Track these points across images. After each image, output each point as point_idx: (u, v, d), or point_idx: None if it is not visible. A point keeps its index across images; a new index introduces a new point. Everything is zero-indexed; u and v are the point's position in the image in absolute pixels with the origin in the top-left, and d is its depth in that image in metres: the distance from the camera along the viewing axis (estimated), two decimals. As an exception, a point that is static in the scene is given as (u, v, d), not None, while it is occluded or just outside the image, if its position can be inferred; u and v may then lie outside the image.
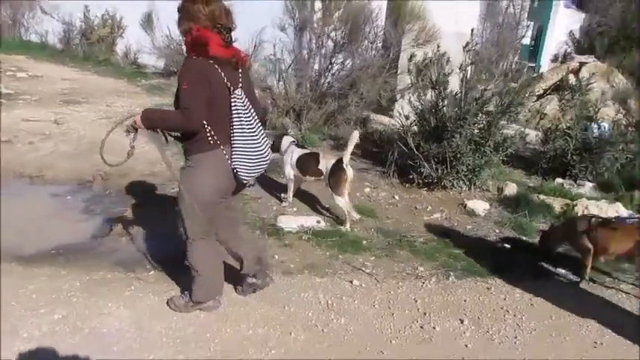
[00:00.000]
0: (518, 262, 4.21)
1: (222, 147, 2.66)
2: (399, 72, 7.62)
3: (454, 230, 4.77)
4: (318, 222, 4.64)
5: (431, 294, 3.63)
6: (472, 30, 5.62)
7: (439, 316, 3.35)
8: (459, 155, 5.26)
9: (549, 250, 4.25)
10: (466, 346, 3.06)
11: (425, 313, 3.37)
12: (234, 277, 3.37)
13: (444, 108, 5.41)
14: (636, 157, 5.75)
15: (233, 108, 2.62)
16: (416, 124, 5.73)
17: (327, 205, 4.99)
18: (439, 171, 5.39)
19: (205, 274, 3.02)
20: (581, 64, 10.02)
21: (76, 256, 3.75)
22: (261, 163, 2.77)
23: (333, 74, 7.33)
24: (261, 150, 2.75)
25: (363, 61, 7.15)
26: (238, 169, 2.68)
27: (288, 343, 2.97)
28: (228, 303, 3.31)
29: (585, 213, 4.88)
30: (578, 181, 5.78)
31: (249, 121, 2.67)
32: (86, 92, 8.82)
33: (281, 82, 7.47)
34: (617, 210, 4.92)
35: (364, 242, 4.38)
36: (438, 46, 5.95)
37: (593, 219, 3.98)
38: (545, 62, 14.64)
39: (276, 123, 7.01)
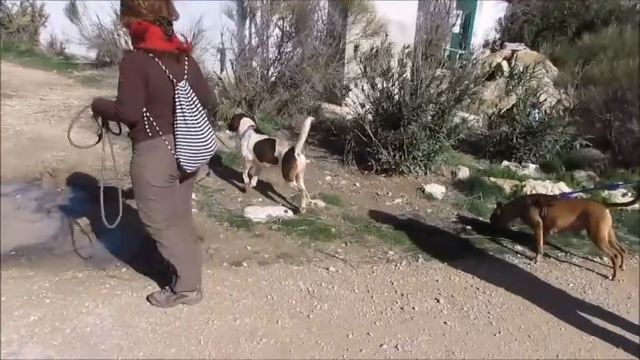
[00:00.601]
0: (479, 242, 4.44)
1: (163, 136, 2.70)
2: (346, 61, 7.71)
3: (416, 214, 4.94)
4: (286, 211, 4.65)
5: (404, 276, 3.76)
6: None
7: (416, 296, 3.48)
8: (414, 142, 5.44)
9: (500, 226, 4.53)
10: (445, 323, 3.20)
11: (402, 295, 3.49)
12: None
13: (400, 96, 5.54)
14: (574, 140, 6.19)
15: (176, 100, 2.65)
16: (371, 112, 5.84)
17: (291, 195, 4.99)
18: (396, 157, 5.54)
19: (181, 263, 3.00)
20: (513, 51, 10.58)
21: (40, 256, 3.56)
22: (204, 153, 2.81)
23: (282, 63, 7.29)
24: (205, 141, 2.79)
25: (312, 50, 7.16)
26: (181, 159, 2.72)
27: (276, 330, 2.98)
28: (210, 296, 3.28)
29: (533, 192, 5.23)
30: (522, 163, 6.15)
31: (193, 112, 2.71)
32: (14, 85, 8.19)
33: (230, 72, 7.34)
34: (560, 188, 5.30)
35: (333, 230, 4.45)
36: (387, 36, 6.11)
37: (542, 196, 4.30)
38: (474, 50, 15.34)
39: (227, 114, 6.88)
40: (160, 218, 2.87)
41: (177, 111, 2.66)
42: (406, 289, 3.56)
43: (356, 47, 5.86)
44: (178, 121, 2.68)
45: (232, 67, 7.25)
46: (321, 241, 4.22)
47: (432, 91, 5.51)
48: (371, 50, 5.73)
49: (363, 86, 5.92)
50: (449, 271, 3.89)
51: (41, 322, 2.84)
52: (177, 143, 2.71)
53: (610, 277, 3.93)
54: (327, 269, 3.76)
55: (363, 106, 5.71)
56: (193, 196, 4.81)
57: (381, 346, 2.92)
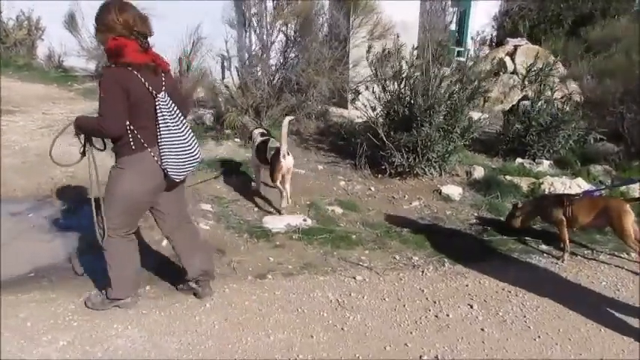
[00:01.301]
0: (502, 243, 4.37)
1: (149, 149, 2.73)
2: (351, 65, 7.64)
3: (436, 217, 4.87)
4: (305, 220, 4.56)
5: (433, 282, 3.69)
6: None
7: (448, 303, 3.41)
8: (429, 143, 5.37)
9: (518, 227, 4.45)
10: (482, 330, 3.12)
11: (434, 302, 3.41)
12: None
13: (411, 98, 5.47)
14: (587, 134, 6.13)
15: (158, 111, 2.70)
16: (382, 115, 5.77)
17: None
18: (410, 159, 5.47)
19: (119, 271, 3.02)
20: (515, 47, 10.53)
21: (60, 277, 3.47)
22: (191, 161, 2.85)
23: (287, 69, 7.22)
24: (190, 149, 2.83)
25: (318, 54, 7.08)
26: (168, 169, 2.76)
27: (312, 345, 2.90)
28: (239, 311, 3.20)
29: (551, 190, 5.17)
30: (536, 160, 6.08)
31: (176, 122, 2.76)
32: (15, 101, 8.11)
33: (236, 79, 7.27)
34: (579, 184, 5.23)
35: (354, 237, 4.37)
36: (397, 36, 6.04)
37: (565, 195, 4.24)
38: (471, 47, 15.27)
39: (235, 122, 6.80)
40: (124, 231, 2.92)
41: (161, 122, 2.71)
42: (437, 296, 3.49)
43: (369, 48, 5.77)
44: (162, 132, 2.72)
45: (238, 74, 7.18)
46: (343, 249, 4.14)
47: (442, 91, 5.44)
48: (383, 52, 5.65)
49: (373, 89, 5.84)
50: (477, 274, 3.81)
51: (72, 347, 2.75)
52: (162, 154, 2.74)
53: None
54: (354, 278, 3.68)
55: (374, 109, 5.64)
56: (209, 207, 4.76)
57: (420, 357, 2.84)
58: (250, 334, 2.97)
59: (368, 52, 6.05)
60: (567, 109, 6.11)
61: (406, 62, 5.80)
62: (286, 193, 4.64)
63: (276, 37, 7.20)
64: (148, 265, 3.65)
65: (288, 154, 4.51)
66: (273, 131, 6.57)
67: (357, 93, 5.68)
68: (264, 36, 7.17)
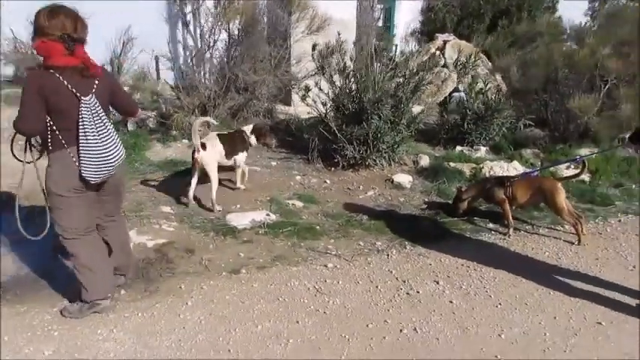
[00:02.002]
0: (454, 224, 4.71)
1: (68, 149, 2.79)
2: (294, 61, 7.79)
3: (391, 204, 5.14)
4: (268, 215, 4.67)
5: (399, 263, 3.93)
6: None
7: (416, 281, 3.66)
8: (379, 135, 5.63)
9: (464, 209, 4.81)
10: (451, 302, 3.40)
11: (404, 281, 3.65)
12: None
13: (359, 92, 5.71)
14: (517, 121, 6.67)
15: (80, 114, 2.75)
16: (332, 110, 5.97)
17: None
18: (362, 151, 5.71)
19: (91, 271, 3.02)
20: (445, 41, 11.11)
21: (25, 289, 3.38)
22: (106, 166, 2.87)
23: (232, 68, 7.24)
24: (106, 154, 2.85)
25: (263, 52, 7.17)
26: (82, 171, 2.81)
27: (299, 330, 3.04)
28: (222, 305, 3.27)
29: (491, 173, 5.60)
30: (474, 147, 6.54)
31: (94, 127, 2.79)
32: None
33: (179, 80, 7.21)
34: (515, 167, 5.71)
35: (317, 228, 4.53)
36: (339, 34, 6.26)
37: (504, 177, 4.65)
38: (398, 42, 15.85)
39: (182, 123, 6.74)
40: (70, 228, 2.93)
41: (80, 125, 2.75)
42: (405, 276, 3.73)
43: (314, 46, 5.94)
44: (80, 135, 2.77)
45: (182, 74, 7.11)
46: (309, 240, 4.30)
47: (388, 86, 5.73)
48: (327, 48, 5.84)
49: (320, 85, 6.03)
50: (437, 254, 4.10)
51: (58, 355, 2.72)
52: (79, 155, 2.79)
53: (576, 243, 4.32)
54: (326, 266, 3.85)
55: (325, 104, 5.83)
56: (169, 209, 4.75)
57: (401, 331, 3.06)
58: (238, 325, 3.06)
59: (313, 49, 6.23)
60: (498, 98, 6.61)
61: (350, 58, 6.04)
62: (211, 186, 4.77)
63: (219, 35, 7.20)
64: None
65: (204, 148, 4.66)
66: (220, 131, 6.66)
67: (307, 90, 5.82)
68: (207, 35, 7.15)
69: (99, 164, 2.81)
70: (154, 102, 7.56)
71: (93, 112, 2.77)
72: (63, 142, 2.76)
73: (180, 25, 7.75)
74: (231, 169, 5.13)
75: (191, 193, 4.86)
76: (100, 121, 2.79)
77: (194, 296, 3.39)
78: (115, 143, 2.89)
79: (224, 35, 7.20)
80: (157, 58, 8.58)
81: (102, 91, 2.84)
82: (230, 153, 4.94)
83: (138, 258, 3.81)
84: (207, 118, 5.39)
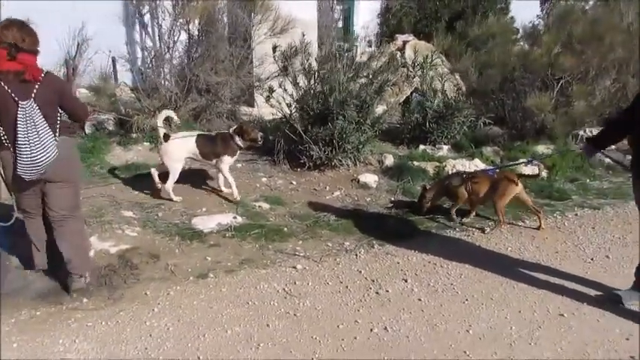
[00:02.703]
0: (420, 222, 4.77)
1: (10, 148, 3.02)
2: (256, 62, 7.72)
3: (357, 204, 5.17)
4: (235, 217, 4.62)
5: (368, 263, 3.95)
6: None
7: (385, 280, 3.69)
8: (344, 135, 5.65)
9: (429, 207, 4.88)
10: (419, 300, 3.44)
11: (373, 280, 3.68)
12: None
13: (324, 93, 5.72)
14: (477, 120, 6.83)
15: (17, 117, 2.93)
16: (297, 111, 5.96)
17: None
18: (327, 152, 5.72)
19: (34, 246, 3.44)
20: (404, 42, 11.26)
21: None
22: (34, 167, 3.02)
23: (192, 69, 7.12)
24: (33, 157, 2.99)
25: (225, 52, 7.08)
26: (17, 169, 3.02)
27: (270, 334, 3.01)
28: (190, 311, 3.21)
29: (454, 170, 5.71)
30: (437, 146, 6.65)
31: (28, 129, 2.96)
32: None
33: (138, 81, 7.03)
34: (476, 165, 5.84)
35: (285, 229, 4.51)
36: (303, 35, 6.25)
37: (464, 174, 4.75)
38: (357, 43, 15.97)
39: (143, 125, 6.57)
40: (21, 209, 3.30)
41: (16, 127, 2.94)
42: (374, 275, 3.76)
43: (275, 48, 5.90)
44: (15, 135, 2.96)
45: (141, 76, 6.94)
46: (277, 242, 4.27)
47: (352, 86, 5.76)
48: (291, 49, 5.82)
49: (285, 86, 5.99)
50: (404, 252, 4.15)
51: (19, 369, 2.60)
52: (15, 155, 3.01)
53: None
54: (295, 267, 3.83)
55: (289, 105, 5.81)
56: (131, 214, 4.63)
57: (371, 330, 3.07)
58: (207, 331, 3.01)
59: (274, 50, 6.19)
60: (458, 98, 6.76)
61: (315, 59, 6.04)
62: (167, 182, 4.87)
63: (179, 36, 7.06)
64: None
65: (166, 140, 4.84)
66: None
67: (271, 91, 5.78)
68: (166, 36, 6.99)
69: (28, 164, 2.97)
70: (112, 104, 7.35)
71: (27, 116, 2.93)
72: (7, 141, 2.99)
73: (137, 25, 7.54)
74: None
75: (156, 178, 5.02)
76: (32, 124, 2.94)
77: (160, 302, 3.32)
78: (43, 147, 2.99)
79: (184, 36, 7.07)
80: (114, 60, 8.35)
81: (44, 95, 3.00)
82: (209, 154, 4.95)
83: (100, 265, 3.70)
84: (170, 112, 5.33)
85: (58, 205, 3.29)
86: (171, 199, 4.90)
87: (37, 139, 2.98)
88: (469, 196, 4.67)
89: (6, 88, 2.88)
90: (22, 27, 2.97)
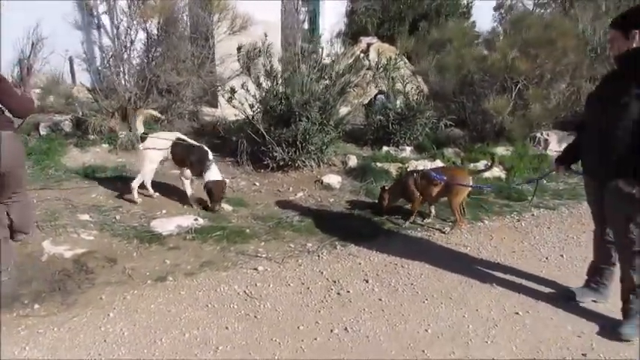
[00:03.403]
0: (381, 222, 4.81)
1: None
2: (218, 62, 7.64)
3: (321, 205, 5.17)
4: (196, 219, 4.55)
5: (330, 264, 3.95)
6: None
7: (347, 281, 3.69)
8: (307, 136, 5.65)
9: (388, 208, 4.93)
10: (380, 300, 3.46)
11: (334, 281, 3.68)
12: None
13: (287, 94, 5.70)
14: (439, 122, 6.95)
15: None
16: (260, 112, 5.92)
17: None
18: (291, 153, 5.70)
19: None
20: (368, 44, 11.37)
21: None
22: None
23: (152, 69, 6.98)
24: None
25: (185, 52, 6.98)
26: None
27: (229, 336, 2.97)
28: (147, 315, 3.14)
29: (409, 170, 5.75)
30: (400, 147, 6.73)
31: None
32: None
33: (95, 82, 6.86)
34: (437, 165, 5.92)
35: (247, 231, 4.47)
36: (266, 35, 6.22)
37: (416, 174, 4.78)
38: (323, 45, 16.03)
39: (100, 126, 6.40)
40: None
41: None
42: (336, 276, 3.76)
43: (239, 48, 5.86)
44: None
45: (99, 76, 6.76)
46: (239, 244, 4.23)
47: (315, 88, 5.76)
48: (253, 50, 5.78)
49: (247, 87, 5.95)
50: (366, 252, 4.16)
51: (-37, 381, 2.48)
52: None
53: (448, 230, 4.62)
54: (256, 269, 3.80)
55: (252, 106, 5.76)
56: (88, 217, 4.51)
57: (332, 331, 3.07)
58: (164, 335, 2.94)
59: (239, 51, 6.14)
60: (420, 100, 6.86)
61: (278, 60, 6.02)
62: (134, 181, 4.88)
63: (136, 35, 6.91)
64: (33, 283, 3.41)
65: (142, 141, 4.86)
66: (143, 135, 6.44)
67: (233, 91, 5.73)
68: (123, 35, 6.83)
69: None
70: (68, 105, 7.14)
71: None
72: None
73: (94, 24, 7.35)
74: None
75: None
76: None
77: (116, 307, 3.23)
78: None
79: (142, 35, 6.93)
80: (71, 60, 8.13)
81: None
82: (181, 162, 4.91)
83: (54, 270, 3.59)
84: (150, 111, 5.39)
85: (8, 190, 3.61)
86: (132, 201, 4.83)
87: None
88: (422, 196, 4.72)
89: None
90: None
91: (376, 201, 5.22)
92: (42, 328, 2.95)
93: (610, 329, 3.11)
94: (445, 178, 4.58)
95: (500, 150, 6.76)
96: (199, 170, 4.81)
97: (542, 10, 10.78)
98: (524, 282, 3.74)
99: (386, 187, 4.99)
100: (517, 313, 3.33)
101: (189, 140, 5.00)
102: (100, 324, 3.03)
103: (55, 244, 3.95)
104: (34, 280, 3.49)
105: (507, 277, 3.83)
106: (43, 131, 6.47)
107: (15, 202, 3.70)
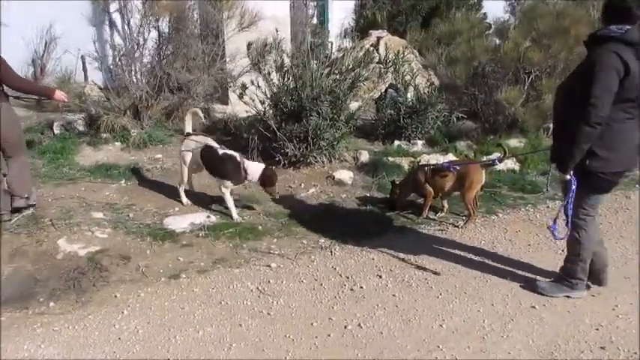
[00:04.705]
0: (394, 218, 4.77)
1: None
2: (228, 59, 7.63)
3: (333, 200, 5.15)
4: (208, 217, 4.56)
5: (343, 260, 3.94)
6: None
7: (360, 276, 3.68)
8: (318, 132, 5.62)
9: (399, 202, 4.91)
10: (394, 295, 3.44)
11: (347, 277, 3.66)
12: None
13: (298, 89, 5.67)
14: (450, 115, 6.87)
15: None
16: (271, 108, 5.90)
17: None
18: (302, 149, 5.68)
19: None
20: (378, 38, 11.28)
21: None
22: None
23: (163, 67, 7.00)
24: None
25: (196, 50, 6.98)
26: None
27: (242, 333, 2.98)
28: (161, 313, 3.16)
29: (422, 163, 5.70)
30: (411, 141, 6.67)
31: None
32: None
33: (108, 80, 6.89)
34: (449, 159, 5.86)
35: (260, 227, 4.47)
36: (277, 30, 6.19)
37: (427, 168, 4.72)
38: (332, 39, 15.95)
39: (112, 124, 6.43)
40: None
41: None
42: (349, 272, 3.74)
43: (249, 45, 5.84)
44: None
45: (111, 75, 6.80)
46: (252, 241, 4.23)
47: (325, 83, 5.73)
48: (263, 47, 5.76)
49: (258, 83, 5.93)
50: (379, 248, 4.14)
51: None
52: None
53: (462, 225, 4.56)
54: (269, 266, 3.80)
55: (262, 102, 5.75)
56: (101, 215, 4.54)
57: (345, 327, 3.06)
58: (178, 332, 2.96)
59: (249, 48, 6.12)
60: (431, 93, 6.79)
61: (287, 55, 5.99)
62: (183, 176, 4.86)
63: (149, 34, 6.92)
64: (48, 282, 3.45)
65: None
66: (155, 133, 6.48)
67: (244, 88, 5.72)
68: (135, 34, 6.85)
69: None
70: (81, 104, 7.19)
71: None
72: None
73: (107, 23, 7.39)
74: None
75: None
76: None
77: (130, 305, 3.25)
78: None
79: (154, 34, 6.94)
80: (83, 58, 8.18)
81: None
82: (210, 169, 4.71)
83: (69, 268, 3.62)
84: (196, 110, 5.22)
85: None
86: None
87: None
88: (434, 190, 4.67)
89: None
90: None
91: (388, 196, 5.19)
92: (57, 326, 2.98)
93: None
94: (458, 168, 4.54)
95: (514, 142, 6.67)
96: (239, 178, 4.60)
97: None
98: (539, 276, 3.69)
99: (397, 182, 4.95)
100: (533, 307, 3.29)
101: (219, 148, 4.75)
102: (115, 322, 3.06)
103: (70, 242, 3.98)
104: (50, 278, 3.52)
105: (523, 270, 3.79)
106: (56, 130, 6.52)
107: (10, 165, 4.24)
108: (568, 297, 3.39)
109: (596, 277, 3.44)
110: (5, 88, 4.17)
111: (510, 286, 3.57)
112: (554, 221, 3.27)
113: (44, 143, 6.11)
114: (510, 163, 6.08)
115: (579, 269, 3.36)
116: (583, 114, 2.86)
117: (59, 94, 4.43)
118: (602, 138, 2.94)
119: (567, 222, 3.21)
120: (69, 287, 3.42)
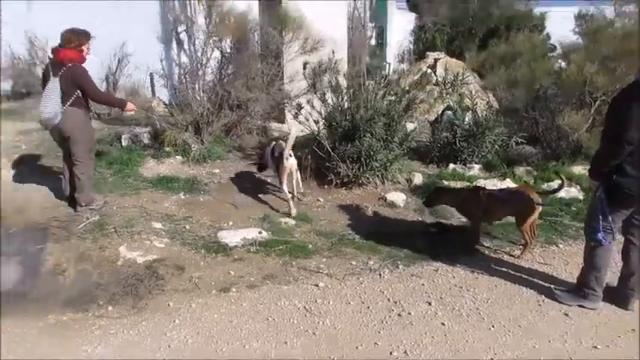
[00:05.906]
0: (449, 243, 4.67)
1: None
2: (287, 80, 7.81)
3: (384, 222, 5.11)
4: (260, 232, 4.63)
5: (391, 283, 3.89)
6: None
7: (408, 302, 3.62)
8: (371, 153, 5.62)
9: (430, 206, 4.98)
10: (443, 324, 3.35)
11: (395, 302, 3.61)
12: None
13: (352, 110, 5.72)
14: (510, 139, 6.69)
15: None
16: (325, 128, 5.97)
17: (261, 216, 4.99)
18: (355, 169, 5.69)
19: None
20: (435, 60, 11.22)
21: (12, 303, 3.33)
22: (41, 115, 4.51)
23: (224, 85, 7.25)
24: (40, 108, 4.53)
25: (256, 70, 7.19)
26: None
27: (288, 351, 2.99)
28: (210, 324, 3.23)
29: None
30: (467, 165, 6.53)
31: (45, 91, 4.50)
32: None
33: (172, 97, 7.22)
34: (507, 185, 5.70)
35: (310, 246, 4.50)
36: (333, 52, 6.29)
37: (481, 192, 4.59)
38: (390, 61, 16.04)
39: (175, 140, 6.70)
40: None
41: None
42: (397, 296, 3.69)
43: (305, 64, 5.96)
44: None
45: (175, 92, 7.11)
46: (301, 259, 4.26)
47: (380, 104, 5.74)
48: (319, 67, 5.86)
49: (313, 103, 6.02)
50: (430, 273, 4.06)
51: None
52: None
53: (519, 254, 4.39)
54: (317, 285, 3.81)
55: (317, 122, 5.83)
56: (160, 225, 4.71)
57: (391, 353, 3.01)
58: (225, 345, 3.01)
59: (304, 68, 6.24)
60: (489, 116, 6.65)
61: (343, 75, 6.06)
62: (289, 193, 5.22)
63: (211, 54, 7.21)
64: (108, 286, 3.61)
65: (291, 155, 5.21)
66: (214, 148, 6.69)
67: (300, 107, 5.82)
68: (199, 53, 7.16)
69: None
70: (147, 118, 7.56)
71: (48, 84, 4.41)
72: None
73: (174, 43, 7.77)
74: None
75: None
76: (48, 89, 4.37)
77: (182, 314, 3.35)
78: (45, 102, 4.38)
79: (217, 53, 7.23)
80: (151, 75, 8.63)
81: (65, 78, 4.40)
82: None
83: (127, 274, 3.79)
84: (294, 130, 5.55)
85: (73, 153, 4.60)
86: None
87: (44, 99, 4.40)
88: (486, 215, 4.55)
89: (49, 69, 4.47)
90: (73, 32, 4.53)
91: (442, 220, 5.11)
92: (114, 330, 3.11)
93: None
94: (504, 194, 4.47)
95: (578, 168, 6.38)
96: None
97: (624, 20, 10.16)
98: (602, 313, 3.49)
99: (442, 189, 4.94)
100: (595, 347, 3.11)
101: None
102: (166, 330, 3.15)
103: (130, 250, 4.16)
104: (110, 283, 3.69)
105: (579, 309, 3.59)
106: (124, 142, 6.87)
107: (76, 167, 4.64)
108: (582, 306, 3.50)
109: None
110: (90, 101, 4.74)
111: (570, 322, 3.40)
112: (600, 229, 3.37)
113: (113, 154, 6.45)
114: (574, 192, 5.84)
115: (593, 278, 3.50)
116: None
117: (130, 105, 4.90)
118: (632, 156, 3.13)
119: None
120: (127, 293, 3.57)
